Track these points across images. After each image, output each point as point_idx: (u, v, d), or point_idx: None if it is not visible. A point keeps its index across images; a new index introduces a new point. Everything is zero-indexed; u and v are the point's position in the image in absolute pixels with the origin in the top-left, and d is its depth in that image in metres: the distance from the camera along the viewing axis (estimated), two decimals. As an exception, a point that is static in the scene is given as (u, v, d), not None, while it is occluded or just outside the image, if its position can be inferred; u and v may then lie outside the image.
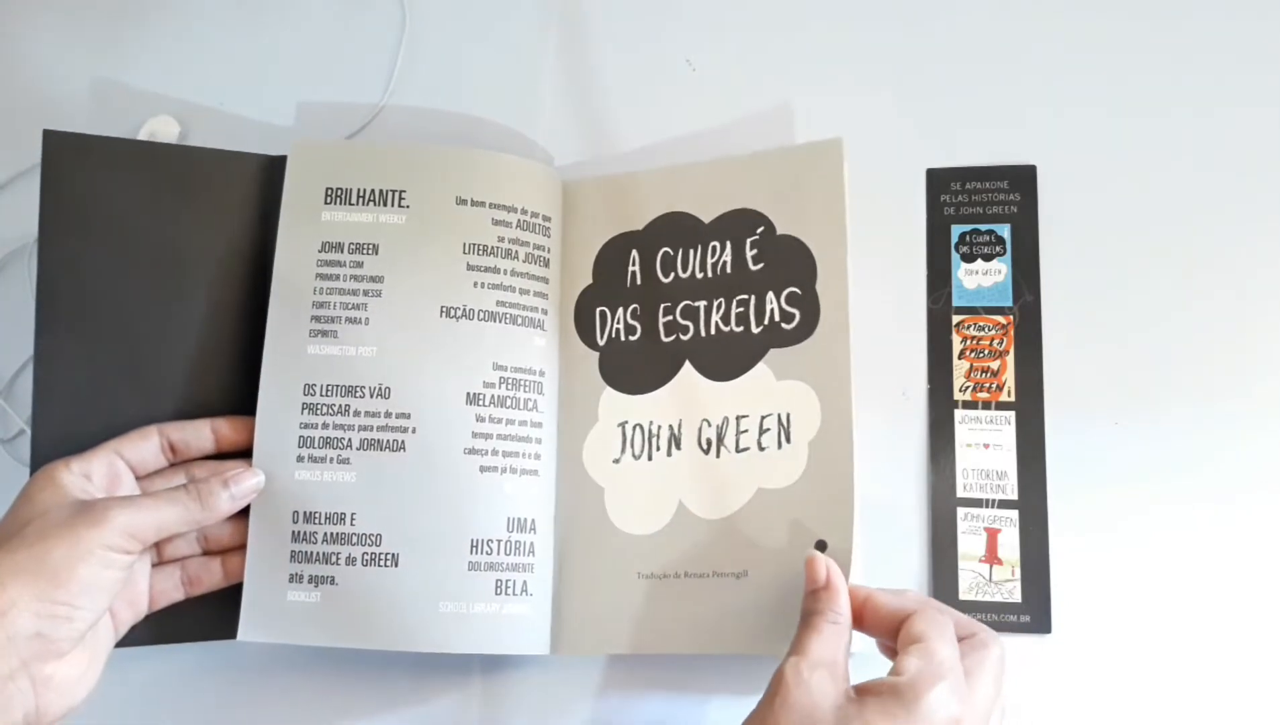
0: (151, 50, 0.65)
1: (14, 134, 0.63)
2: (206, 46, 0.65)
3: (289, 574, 0.51)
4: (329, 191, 0.56)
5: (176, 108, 0.63)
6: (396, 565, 0.51)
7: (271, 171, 0.56)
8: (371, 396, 0.53)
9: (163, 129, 0.62)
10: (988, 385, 0.56)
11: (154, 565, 0.51)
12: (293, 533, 0.52)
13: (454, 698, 0.54)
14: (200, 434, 0.52)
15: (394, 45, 0.64)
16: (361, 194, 0.56)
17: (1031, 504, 0.54)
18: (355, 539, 0.52)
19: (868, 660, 0.47)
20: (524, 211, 0.56)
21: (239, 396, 0.54)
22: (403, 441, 0.53)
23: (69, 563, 0.44)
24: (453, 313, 0.54)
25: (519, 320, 0.55)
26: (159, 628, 0.51)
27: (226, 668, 0.55)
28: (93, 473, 0.48)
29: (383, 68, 0.64)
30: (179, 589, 0.51)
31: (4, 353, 0.60)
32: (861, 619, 0.46)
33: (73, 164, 0.53)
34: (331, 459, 0.52)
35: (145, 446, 0.50)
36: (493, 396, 0.54)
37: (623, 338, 0.57)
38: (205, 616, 0.52)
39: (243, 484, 0.51)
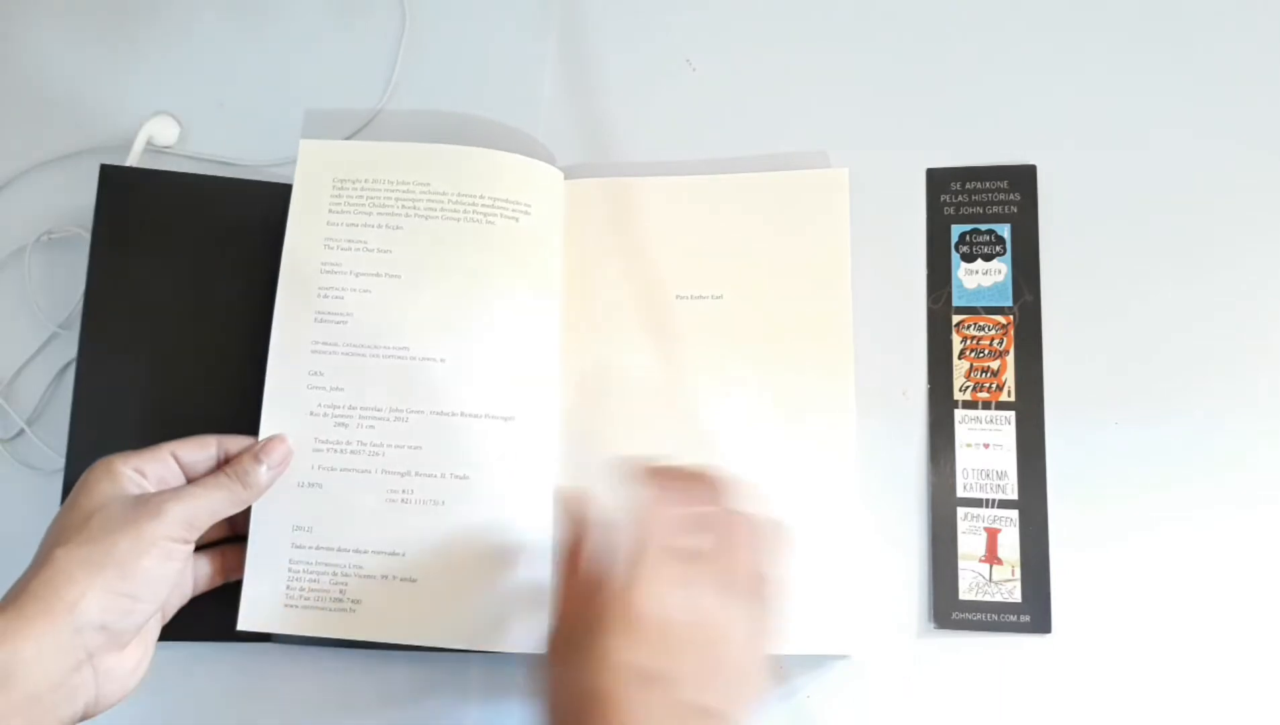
0: (152, 52, 0.65)
1: (16, 135, 0.63)
2: (207, 48, 0.65)
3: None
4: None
5: (177, 108, 0.63)
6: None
7: (289, 196, 0.57)
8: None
9: (162, 130, 0.62)
10: (988, 385, 0.56)
11: (195, 551, 0.51)
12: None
13: (452, 696, 0.54)
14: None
15: (394, 46, 0.64)
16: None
17: (1031, 504, 0.54)
18: None
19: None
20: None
21: (251, 401, 0.54)
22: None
23: (134, 556, 0.45)
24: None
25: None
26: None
27: (227, 663, 0.55)
28: (147, 469, 0.49)
29: (383, 69, 0.64)
30: (220, 574, 0.53)
31: (4, 353, 0.60)
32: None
33: (123, 194, 0.57)
34: None
35: (201, 454, 0.51)
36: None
37: None
38: (204, 616, 0.52)
39: (273, 454, 0.52)
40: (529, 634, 0.52)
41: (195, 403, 0.55)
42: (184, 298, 0.57)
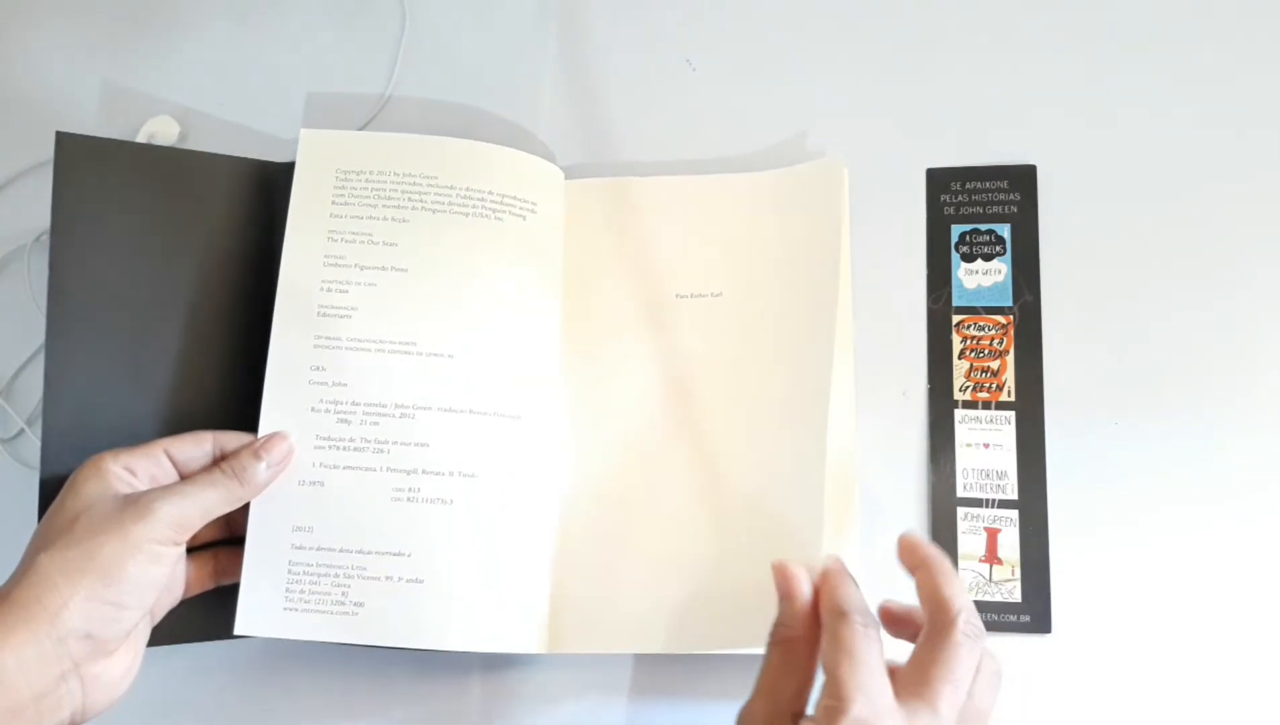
0: (152, 52, 0.65)
1: (16, 135, 0.63)
2: (206, 49, 0.65)
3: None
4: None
5: (176, 109, 0.63)
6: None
7: (275, 176, 0.56)
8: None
9: (162, 130, 0.62)
10: (988, 385, 0.56)
11: (188, 552, 0.50)
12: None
13: (453, 696, 0.54)
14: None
15: (394, 48, 0.64)
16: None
17: (1031, 504, 0.54)
18: None
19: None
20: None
21: (242, 397, 0.54)
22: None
23: (118, 560, 0.44)
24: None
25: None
26: (154, 630, 0.50)
27: (226, 668, 0.55)
28: (137, 467, 0.47)
29: (383, 70, 0.64)
30: (212, 578, 0.51)
31: (4, 353, 0.60)
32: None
33: (85, 166, 0.53)
34: None
35: (196, 451, 0.49)
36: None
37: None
38: (201, 616, 0.52)
39: (274, 451, 0.50)
40: (535, 635, 0.52)
41: (184, 399, 0.53)
42: (165, 285, 0.54)
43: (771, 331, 0.56)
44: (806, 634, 0.41)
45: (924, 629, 0.41)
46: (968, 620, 0.40)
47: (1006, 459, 0.55)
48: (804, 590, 0.42)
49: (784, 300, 0.56)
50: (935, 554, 0.42)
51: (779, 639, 0.42)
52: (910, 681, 0.39)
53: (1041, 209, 0.58)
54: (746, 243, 0.58)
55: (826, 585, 0.42)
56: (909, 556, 0.43)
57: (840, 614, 0.40)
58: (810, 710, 0.40)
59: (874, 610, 0.42)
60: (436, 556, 0.51)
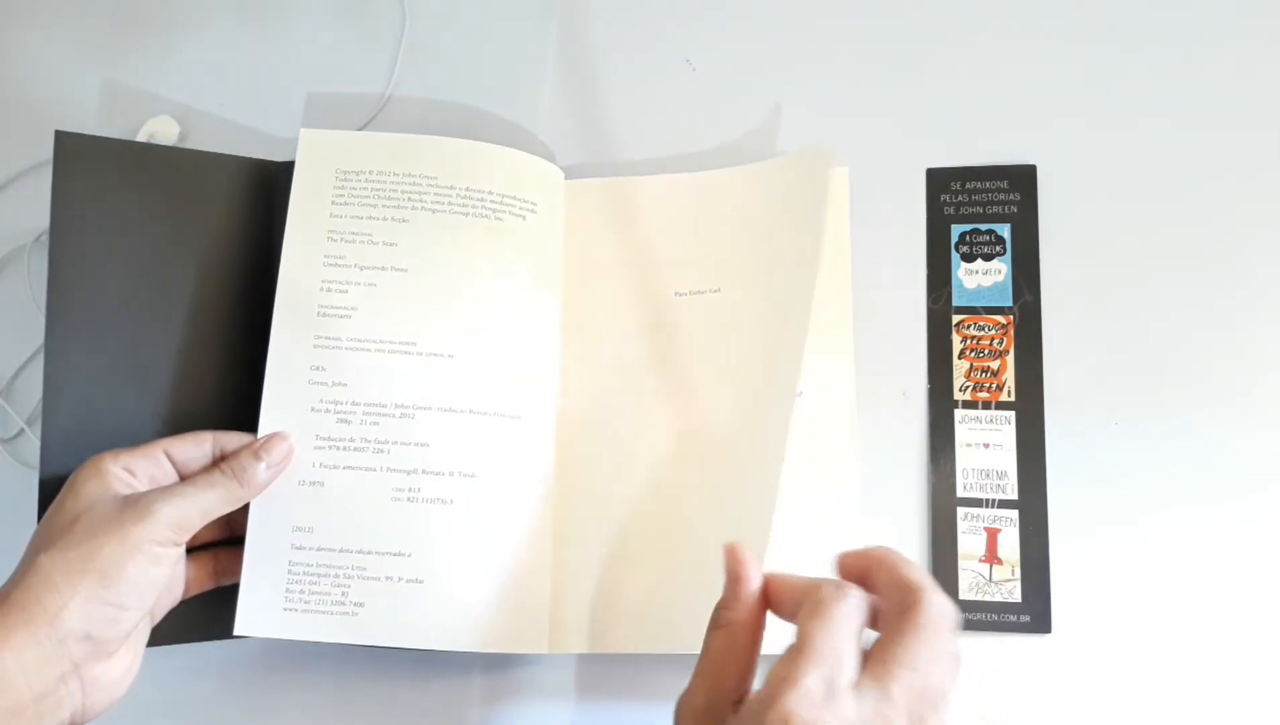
0: (152, 52, 0.65)
1: (16, 135, 0.63)
2: (206, 49, 0.65)
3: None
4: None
5: (176, 109, 0.63)
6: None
7: (275, 175, 0.56)
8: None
9: (162, 130, 0.62)
10: (988, 385, 0.56)
11: (188, 553, 0.50)
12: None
13: (453, 696, 0.54)
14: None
15: (394, 48, 0.64)
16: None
17: (1031, 504, 0.54)
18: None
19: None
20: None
21: (242, 397, 0.54)
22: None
23: (118, 561, 0.44)
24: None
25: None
26: (154, 630, 0.50)
27: (226, 668, 0.55)
28: (137, 468, 0.47)
29: (383, 70, 0.64)
30: (211, 578, 0.51)
31: (4, 353, 0.60)
32: (774, 607, 0.41)
33: (85, 166, 0.53)
34: None
35: (196, 451, 0.50)
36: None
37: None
38: (201, 616, 0.52)
39: (274, 451, 0.50)
40: (535, 635, 0.52)
41: (184, 399, 0.53)
42: (165, 284, 0.54)
43: (767, 324, 0.56)
44: (750, 620, 0.40)
45: (887, 612, 0.39)
46: (933, 602, 0.38)
47: (1006, 459, 0.55)
48: (753, 575, 0.40)
49: (775, 289, 0.56)
50: (882, 548, 0.40)
51: (720, 623, 0.40)
52: (871, 662, 0.37)
53: (1041, 209, 0.58)
54: (738, 236, 0.58)
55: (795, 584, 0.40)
56: (854, 567, 0.41)
57: (837, 584, 0.39)
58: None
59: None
60: (436, 556, 0.51)
